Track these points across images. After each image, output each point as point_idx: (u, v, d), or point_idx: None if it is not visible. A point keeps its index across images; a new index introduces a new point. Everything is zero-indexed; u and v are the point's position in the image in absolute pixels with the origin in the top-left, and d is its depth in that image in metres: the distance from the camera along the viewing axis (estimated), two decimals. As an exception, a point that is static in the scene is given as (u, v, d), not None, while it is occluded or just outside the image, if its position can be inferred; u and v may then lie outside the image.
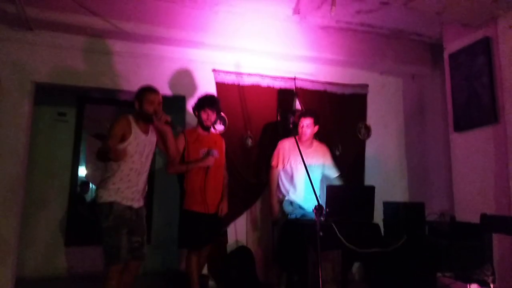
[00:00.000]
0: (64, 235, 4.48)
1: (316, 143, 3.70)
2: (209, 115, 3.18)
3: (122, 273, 2.55)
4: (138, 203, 2.62)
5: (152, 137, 2.73)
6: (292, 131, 4.21)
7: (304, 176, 3.20)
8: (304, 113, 3.58)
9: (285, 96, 4.31)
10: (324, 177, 3.71)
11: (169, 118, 2.63)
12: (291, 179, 3.52)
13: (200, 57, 4.11)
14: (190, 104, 4.05)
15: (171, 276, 3.69)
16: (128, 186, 2.55)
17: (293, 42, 4.19)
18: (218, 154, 3.17)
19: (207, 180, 3.10)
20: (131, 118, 2.60)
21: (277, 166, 3.57)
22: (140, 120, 2.62)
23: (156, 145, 2.82)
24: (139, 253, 2.60)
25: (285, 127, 4.22)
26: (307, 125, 3.49)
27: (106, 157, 2.38)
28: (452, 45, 3.94)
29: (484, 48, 3.55)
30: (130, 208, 2.55)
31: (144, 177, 2.66)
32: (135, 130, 2.57)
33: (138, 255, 2.61)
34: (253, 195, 4.09)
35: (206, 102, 3.21)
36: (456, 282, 2.04)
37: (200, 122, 3.23)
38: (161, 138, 2.77)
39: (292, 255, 3.13)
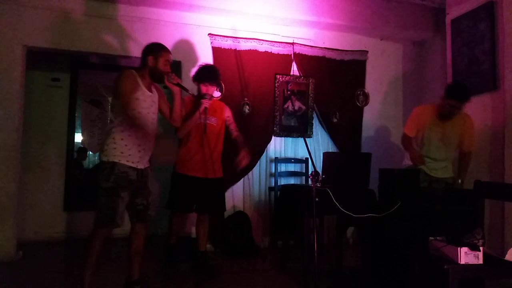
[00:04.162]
0: (63, 200, 4.53)
1: None
2: (208, 89, 3.14)
3: (131, 238, 2.49)
4: (143, 163, 2.45)
5: (155, 96, 2.53)
6: (289, 98, 4.19)
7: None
8: (464, 99, 3.05)
9: (283, 62, 4.24)
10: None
11: (180, 81, 2.56)
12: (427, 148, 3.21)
13: (196, 21, 4.00)
14: (186, 69, 3.99)
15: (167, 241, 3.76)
16: (135, 145, 2.38)
17: (291, 5, 4.07)
18: (208, 104, 3.09)
19: (204, 146, 3.09)
20: (135, 73, 2.40)
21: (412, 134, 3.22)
22: (147, 77, 2.45)
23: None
24: (144, 215, 2.48)
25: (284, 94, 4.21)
26: (458, 108, 3.08)
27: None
28: (455, 10, 3.84)
29: (487, 13, 3.46)
30: (134, 169, 2.38)
31: (151, 136, 2.47)
32: (142, 86, 2.41)
33: (143, 218, 2.48)
34: (249, 162, 4.09)
35: (206, 75, 3.15)
36: (447, 246, 2.09)
37: (199, 93, 3.16)
38: (163, 98, 2.62)
39: (288, 220, 3.19)
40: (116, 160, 2.32)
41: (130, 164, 2.35)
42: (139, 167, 2.40)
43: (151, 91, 2.48)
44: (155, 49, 2.48)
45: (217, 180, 3.19)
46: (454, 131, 3.17)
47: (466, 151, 3.23)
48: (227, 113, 3.31)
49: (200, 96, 3.11)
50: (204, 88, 3.13)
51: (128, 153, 2.35)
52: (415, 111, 3.30)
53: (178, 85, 2.54)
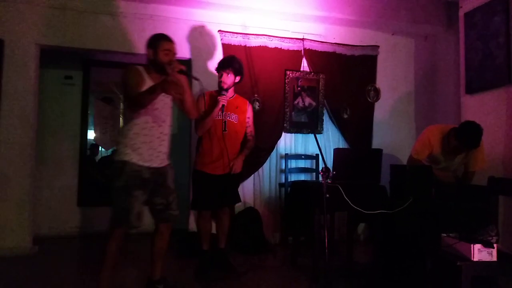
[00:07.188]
0: (77, 196, 4.61)
1: None
2: (223, 77, 3.05)
3: (154, 238, 2.48)
4: (158, 161, 2.39)
5: None
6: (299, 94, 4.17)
7: None
8: (473, 148, 3.02)
9: (293, 58, 4.22)
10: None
11: (183, 67, 2.34)
12: None
13: (206, 17, 4.02)
14: (196, 66, 4.02)
15: (181, 236, 3.80)
16: (145, 142, 2.33)
17: (301, 0, 4.05)
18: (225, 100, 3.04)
19: (224, 143, 3.02)
20: (141, 68, 2.38)
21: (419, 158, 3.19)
22: (153, 71, 2.38)
23: (173, 101, 2.52)
24: (164, 215, 2.44)
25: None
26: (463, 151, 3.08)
27: (142, 101, 2.24)
28: (468, 3, 3.77)
29: (502, 6, 3.39)
30: (148, 168, 2.33)
31: (164, 133, 2.42)
32: (148, 80, 2.34)
33: (164, 218, 2.45)
34: (260, 159, 4.11)
35: (220, 64, 3.12)
36: (460, 242, 2.07)
37: (218, 84, 3.12)
38: (176, 91, 2.40)
39: (299, 216, 3.19)
40: (127, 159, 2.29)
41: (141, 163, 2.31)
42: (152, 166, 2.35)
43: None
44: (153, 40, 2.41)
45: (235, 175, 3.15)
46: (459, 158, 3.18)
47: (470, 171, 3.21)
48: (249, 113, 3.23)
49: (219, 92, 3.08)
50: (219, 77, 3.08)
51: (139, 151, 2.31)
52: (426, 135, 3.18)
53: (182, 72, 2.33)
